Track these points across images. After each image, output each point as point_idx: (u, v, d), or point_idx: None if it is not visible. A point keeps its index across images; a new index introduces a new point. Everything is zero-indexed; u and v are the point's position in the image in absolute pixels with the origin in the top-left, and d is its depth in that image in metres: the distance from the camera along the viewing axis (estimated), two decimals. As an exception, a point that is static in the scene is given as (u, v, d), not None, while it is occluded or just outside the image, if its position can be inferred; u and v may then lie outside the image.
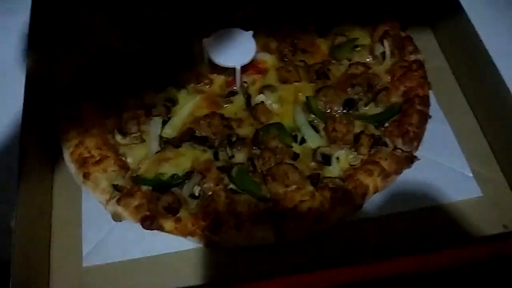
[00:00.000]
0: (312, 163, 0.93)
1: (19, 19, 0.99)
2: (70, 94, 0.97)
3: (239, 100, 1.00)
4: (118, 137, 0.92)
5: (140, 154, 0.92)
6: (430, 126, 0.99)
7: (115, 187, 0.88)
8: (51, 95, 0.97)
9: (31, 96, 0.88)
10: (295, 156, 0.92)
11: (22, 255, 0.75)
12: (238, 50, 0.98)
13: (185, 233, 0.84)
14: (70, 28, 1.04)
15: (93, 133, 0.91)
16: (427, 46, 1.12)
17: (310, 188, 0.88)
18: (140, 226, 0.85)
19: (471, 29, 0.99)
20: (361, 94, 1.00)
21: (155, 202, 0.85)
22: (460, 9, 1.03)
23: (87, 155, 0.88)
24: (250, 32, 1.01)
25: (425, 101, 1.00)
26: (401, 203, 0.92)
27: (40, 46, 0.98)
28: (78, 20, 1.05)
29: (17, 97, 0.86)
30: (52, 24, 1.06)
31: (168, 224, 0.84)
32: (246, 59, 0.97)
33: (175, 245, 0.86)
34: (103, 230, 0.88)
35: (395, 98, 1.01)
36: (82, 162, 0.88)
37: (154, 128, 0.94)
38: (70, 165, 0.90)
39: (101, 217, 0.88)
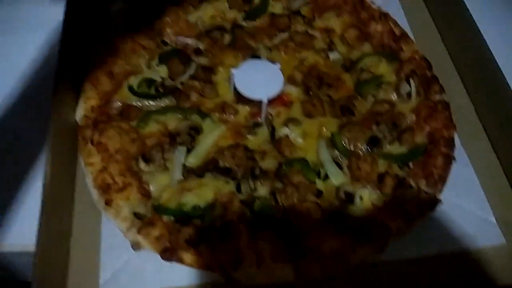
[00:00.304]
0: (336, 201, 0.92)
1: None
2: (96, 118, 0.97)
3: (264, 132, 1.00)
4: (142, 164, 0.92)
5: (162, 182, 0.91)
6: (453, 167, 0.98)
7: (136, 215, 0.87)
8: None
9: (57, 114, 0.89)
10: (318, 193, 0.91)
11: (41, 279, 0.74)
12: (265, 83, 0.98)
13: (204, 267, 0.83)
14: (99, 50, 1.04)
15: (117, 158, 0.91)
16: (451, 84, 1.12)
17: (332, 228, 0.87)
18: (159, 256, 0.84)
19: (496, 70, 0.99)
20: (385, 132, 1.00)
21: (176, 233, 0.84)
22: (486, 48, 1.03)
23: (110, 181, 0.88)
24: (278, 65, 1.01)
25: (450, 144, 0.99)
26: (422, 247, 0.90)
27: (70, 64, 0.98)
28: (107, 42, 1.06)
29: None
30: (82, 42, 1.07)
31: (188, 256, 0.83)
32: (273, 93, 0.97)
33: (194, 278, 0.84)
34: (121, 259, 0.87)
35: (420, 138, 1.00)
36: (105, 188, 0.87)
37: (178, 156, 0.94)
38: (93, 190, 0.89)
39: (120, 245, 0.87)
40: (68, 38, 0.99)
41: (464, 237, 0.92)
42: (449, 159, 0.97)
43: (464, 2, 1.12)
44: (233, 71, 0.99)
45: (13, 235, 0.85)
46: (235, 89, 1.00)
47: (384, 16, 1.15)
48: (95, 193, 0.89)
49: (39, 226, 0.77)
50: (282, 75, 1.00)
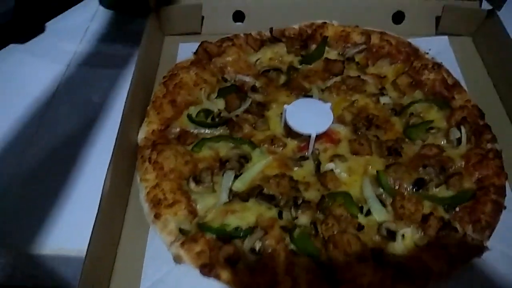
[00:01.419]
0: (377, 237, 0.91)
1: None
2: (155, 141, 1.05)
3: (309, 165, 1.03)
4: (192, 185, 0.98)
5: (209, 203, 0.96)
6: (504, 216, 0.95)
7: (181, 230, 0.92)
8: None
9: (122, 134, 0.98)
10: (360, 227, 0.92)
11: (86, 282, 0.79)
12: (315, 119, 1.03)
13: (240, 286, 0.84)
14: (166, 81, 1.15)
15: (170, 177, 0.97)
16: (505, 135, 1.10)
17: (371, 262, 0.86)
18: (198, 272, 0.87)
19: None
20: (432, 175, 0.99)
21: (216, 250, 0.87)
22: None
23: (161, 197, 0.94)
24: (329, 104, 1.06)
25: (501, 191, 0.97)
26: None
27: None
28: (173, 74, 1.16)
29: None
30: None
31: (226, 274, 0.85)
32: (322, 129, 1.01)
33: (229, 297, 0.86)
34: (162, 270, 0.90)
35: (468, 184, 0.99)
36: (156, 203, 0.93)
37: (226, 180, 0.99)
38: (144, 204, 0.96)
39: (162, 257, 0.91)
40: (139, 70, 1.11)
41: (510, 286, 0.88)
42: (499, 206, 0.95)
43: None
44: (286, 106, 1.05)
45: (59, 240, 0.94)
46: (285, 123, 1.05)
47: (438, 66, 1.18)
48: (146, 207, 0.95)
49: (92, 232, 0.84)
50: (332, 112, 1.04)
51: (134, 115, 1.08)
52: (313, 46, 1.29)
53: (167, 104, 1.10)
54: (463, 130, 1.05)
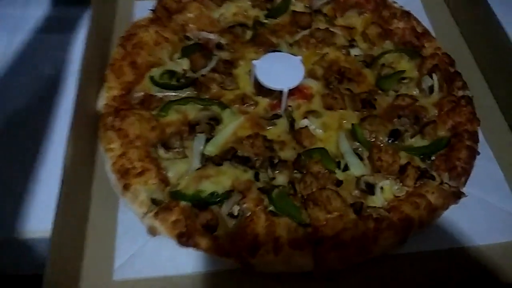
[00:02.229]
0: (356, 191, 0.90)
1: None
2: (117, 107, 0.98)
3: (283, 123, 1.00)
4: (161, 151, 0.92)
5: (181, 170, 0.91)
6: (478, 162, 0.96)
7: (153, 201, 0.86)
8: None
9: (80, 102, 0.90)
10: (338, 183, 0.90)
11: (55, 264, 0.74)
12: (286, 74, 0.98)
13: (221, 253, 0.81)
14: (123, 42, 1.06)
15: (136, 145, 0.91)
16: (474, 82, 1.10)
17: (353, 216, 0.85)
18: (175, 242, 0.83)
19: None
20: (407, 126, 0.98)
21: (193, 218, 0.83)
22: (508, 45, 1.02)
23: (129, 166, 0.88)
24: (299, 57, 1.01)
25: (474, 137, 0.97)
26: (444, 240, 0.88)
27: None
28: (131, 34, 1.07)
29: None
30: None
31: (205, 242, 0.81)
32: (293, 83, 0.97)
33: (210, 265, 0.83)
34: (137, 244, 0.86)
35: (443, 132, 0.98)
36: (124, 173, 0.87)
37: (197, 144, 0.93)
38: (111, 175, 0.89)
39: (136, 230, 0.86)
40: (93, 32, 1.02)
41: (487, 231, 0.90)
42: (473, 153, 0.95)
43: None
44: (254, 62, 1.00)
45: (33, 222, 0.87)
46: (255, 80, 1.00)
47: (407, 15, 1.15)
48: (113, 178, 0.89)
49: (56, 209, 0.77)
50: (303, 66, 1.00)
51: (91, 81, 0.99)
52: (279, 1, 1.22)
53: (127, 67, 1.02)
54: (434, 77, 1.04)
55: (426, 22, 1.20)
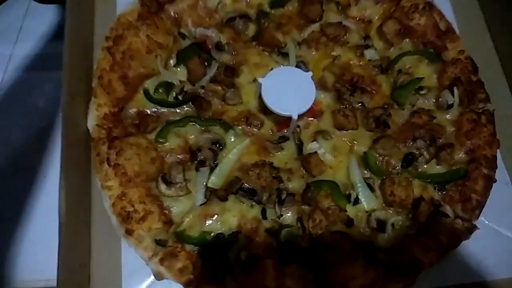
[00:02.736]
0: (366, 230, 0.87)
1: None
2: (109, 128, 0.90)
3: (290, 147, 0.93)
4: (162, 187, 0.86)
5: (185, 207, 0.87)
6: (493, 187, 0.92)
7: (158, 241, 0.83)
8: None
9: (68, 125, 0.84)
10: (349, 222, 0.86)
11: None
12: (295, 96, 0.89)
13: (230, 303, 0.81)
14: (110, 49, 0.94)
15: (136, 182, 0.85)
16: (497, 89, 1.02)
17: (362, 260, 0.83)
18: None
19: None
20: (423, 149, 0.93)
21: (200, 267, 0.81)
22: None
23: (130, 209, 0.83)
24: (309, 73, 0.91)
25: (492, 164, 0.92)
26: (454, 275, 0.89)
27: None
28: (118, 38, 0.94)
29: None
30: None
31: (213, 290, 0.80)
32: (304, 108, 0.89)
33: (219, 309, 0.83)
34: (143, 284, 0.85)
35: (459, 155, 0.93)
36: (125, 217, 0.83)
37: (200, 178, 0.88)
38: (112, 215, 0.85)
39: (141, 270, 0.85)
40: (73, 37, 0.90)
41: (498, 264, 0.90)
42: (490, 182, 0.91)
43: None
44: (260, 80, 0.89)
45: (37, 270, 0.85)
46: (260, 97, 0.91)
47: (429, 7, 1.02)
48: (114, 219, 0.84)
49: (58, 259, 0.75)
50: (314, 85, 0.90)
51: (77, 92, 0.90)
52: (285, -19, 1.06)
53: (117, 81, 0.92)
54: (456, 93, 0.95)
55: (448, 10, 1.08)
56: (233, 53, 0.99)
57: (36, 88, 1.03)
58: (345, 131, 0.95)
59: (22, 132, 0.99)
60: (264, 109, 0.92)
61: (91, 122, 0.91)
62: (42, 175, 0.94)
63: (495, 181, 0.92)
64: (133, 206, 0.83)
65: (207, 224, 0.85)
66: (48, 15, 1.09)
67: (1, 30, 1.08)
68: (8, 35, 1.07)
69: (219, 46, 0.99)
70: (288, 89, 0.90)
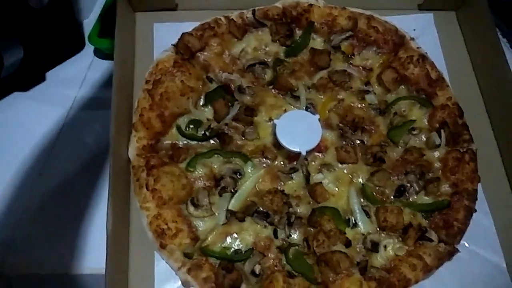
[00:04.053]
0: (362, 249, 1.03)
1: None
2: (147, 157, 1.07)
3: (299, 177, 1.09)
4: (191, 209, 1.03)
5: (209, 226, 1.03)
6: (474, 216, 1.07)
7: (186, 254, 1.00)
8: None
9: (115, 154, 1.02)
10: (348, 243, 1.02)
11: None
12: (304, 135, 1.05)
13: (245, 308, 0.96)
14: (150, 92, 1.12)
15: (169, 204, 1.02)
16: (481, 129, 1.18)
17: (358, 275, 0.99)
18: (206, 292, 0.98)
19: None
20: (413, 182, 1.08)
21: (221, 277, 0.97)
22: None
23: (164, 227, 1.00)
24: (317, 116, 1.08)
25: (473, 196, 1.07)
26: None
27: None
28: (157, 83, 1.13)
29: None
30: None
31: (232, 297, 0.96)
32: (311, 146, 1.05)
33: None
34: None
35: (445, 188, 1.08)
36: (160, 233, 0.99)
37: (222, 203, 1.04)
38: (148, 231, 1.01)
39: (171, 278, 1.01)
40: (119, 82, 1.09)
41: (475, 283, 1.04)
42: (470, 212, 1.06)
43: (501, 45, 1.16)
44: (276, 121, 1.06)
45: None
46: (275, 135, 1.07)
47: (422, 58, 1.18)
48: (150, 235, 1.01)
49: (106, 266, 0.92)
50: (320, 127, 1.07)
51: (122, 126, 1.08)
52: (298, 33, 1.24)
53: (155, 119, 1.09)
54: (442, 135, 1.11)
55: (439, 57, 1.25)
56: (252, 95, 1.16)
57: (93, 125, 1.23)
58: (346, 165, 1.10)
59: (74, 161, 1.19)
60: (278, 144, 1.09)
61: (132, 152, 1.08)
62: (87, 203, 1.13)
63: (475, 211, 1.07)
64: (166, 224, 1.00)
65: (227, 241, 1.01)
66: (105, 68, 1.33)
67: (69, 77, 1.32)
68: (74, 82, 1.31)
69: (241, 89, 1.17)
70: (299, 129, 1.06)
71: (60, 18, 1.27)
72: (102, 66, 1.34)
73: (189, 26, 1.22)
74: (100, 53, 1.36)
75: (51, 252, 1.08)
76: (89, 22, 1.39)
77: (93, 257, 1.07)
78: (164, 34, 1.24)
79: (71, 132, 1.22)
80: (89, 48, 1.37)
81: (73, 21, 1.37)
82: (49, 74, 1.32)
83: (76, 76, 1.31)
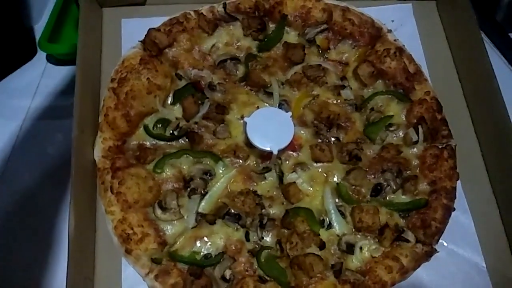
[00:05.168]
0: (336, 252, 0.99)
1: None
2: (113, 159, 1.02)
3: (272, 177, 1.05)
4: (158, 212, 0.99)
5: (177, 230, 0.99)
6: (453, 214, 1.04)
7: (154, 260, 0.96)
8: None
9: (78, 156, 0.97)
10: (322, 245, 0.98)
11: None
12: (276, 133, 1.01)
13: (215, 315, 0.93)
14: (115, 90, 1.07)
15: (135, 208, 0.98)
16: (460, 124, 1.14)
17: (332, 279, 0.95)
18: (175, 299, 0.94)
19: (507, 119, 1.03)
20: (390, 180, 1.04)
21: (189, 284, 0.93)
22: (499, 94, 1.06)
23: (129, 231, 0.96)
24: (289, 114, 1.04)
25: (451, 195, 1.03)
26: (413, 294, 0.99)
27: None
28: (122, 81, 1.08)
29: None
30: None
31: (201, 304, 0.92)
32: (283, 144, 1.01)
33: (205, 321, 0.95)
34: (140, 296, 0.97)
35: (423, 186, 1.04)
36: (125, 238, 0.95)
37: (191, 205, 1.00)
38: (113, 236, 0.97)
39: (139, 284, 0.97)
40: (83, 79, 1.03)
41: (454, 283, 1.01)
42: (448, 211, 1.02)
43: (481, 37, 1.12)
44: (246, 119, 1.02)
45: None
46: (246, 134, 1.03)
47: (400, 51, 1.14)
48: (115, 240, 0.97)
49: (67, 272, 0.89)
50: (292, 124, 1.02)
51: (85, 126, 1.04)
52: (271, 26, 1.19)
53: (120, 119, 1.04)
54: (420, 131, 1.07)
55: (418, 48, 1.21)
56: (224, 92, 1.12)
57: (49, 136, 1.18)
58: (321, 164, 1.06)
59: (35, 171, 1.14)
60: (250, 143, 1.04)
61: (97, 154, 1.04)
62: (50, 215, 1.09)
63: (454, 209, 1.03)
64: (132, 229, 0.96)
65: (197, 245, 0.97)
66: (60, 74, 1.28)
67: (21, 87, 1.26)
68: (27, 91, 1.25)
69: (211, 86, 1.12)
70: (270, 127, 1.02)
71: (6, 23, 1.21)
72: (57, 73, 1.28)
73: (158, 22, 1.17)
74: (53, 59, 1.30)
75: (16, 277, 1.03)
76: (40, 27, 1.31)
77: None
78: (132, 30, 1.20)
79: (28, 145, 1.18)
80: (41, 55, 1.31)
81: (21, 27, 1.31)
82: (-1, 86, 1.26)
83: (29, 86, 1.25)
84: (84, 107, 1.04)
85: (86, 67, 1.09)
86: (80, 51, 1.08)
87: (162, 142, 1.07)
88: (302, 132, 1.09)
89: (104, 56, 1.19)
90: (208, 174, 1.04)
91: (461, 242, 1.04)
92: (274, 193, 1.04)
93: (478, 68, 1.14)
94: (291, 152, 1.07)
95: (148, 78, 1.07)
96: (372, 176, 1.05)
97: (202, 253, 0.97)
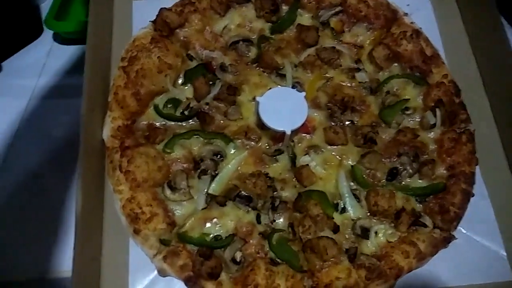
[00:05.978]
0: (351, 236, 0.95)
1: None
2: (122, 138, 1.00)
3: (285, 159, 1.02)
4: (167, 192, 0.96)
5: (187, 211, 0.96)
6: (471, 200, 1.00)
7: (162, 241, 0.93)
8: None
9: (86, 134, 0.94)
10: (336, 229, 0.95)
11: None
12: (289, 114, 0.98)
13: (225, 297, 0.89)
14: (125, 69, 1.05)
15: (144, 187, 0.95)
16: (479, 109, 1.10)
17: (346, 263, 0.91)
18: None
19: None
20: (406, 164, 1.01)
21: (199, 265, 0.90)
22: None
23: (138, 211, 0.93)
24: (303, 93, 1.01)
25: (471, 180, 1.00)
26: (432, 280, 0.95)
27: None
28: (133, 60, 1.06)
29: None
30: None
31: (210, 286, 0.89)
32: (297, 124, 0.98)
33: (214, 305, 0.92)
34: (148, 278, 0.94)
35: (440, 171, 1.01)
36: (134, 218, 0.93)
37: (202, 186, 0.97)
38: (121, 216, 0.95)
39: (146, 266, 0.94)
40: (93, 58, 1.01)
41: (474, 271, 0.97)
42: (467, 196, 0.99)
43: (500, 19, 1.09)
44: (258, 99, 0.99)
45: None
46: (258, 114, 1.00)
47: (417, 34, 1.11)
48: (123, 219, 0.94)
49: (74, 252, 0.84)
50: (306, 105, 1.00)
51: (95, 104, 1.01)
52: (285, 8, 1.16)
53: (130, 97, 1.02)
54: (438, 114, 1.04)
55: (435, 32, 1.18)
56: (236, 74, 1.09)
57: (55, 115, 1.17)
58: (335, 146, 1.03)
59: (40, 153, 1.12)
60: (262, 124, 1.02)
61: (106, 133, 1.01)
62: (56, 194, 1.06)
63: (473, 195, 1.00)
64: (140, 208, 0.93)
65: (206, 226, 0.95)
66: (66, 53, 1.26)
67: (27, 66, 1.24)
68: (33, 70, 1.23)
69: (223, 67, 1.10)
70: (283, 107, 0.99)
71: (12, 2, 1.19)
72: (63, 52, 1.26)
73: (170, 3, 1.15)
74: (59, 38, 1.28)
75: (22, 256, 1.01)
76: (46, 6, 1.30)
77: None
78: (143, 12, 1.18)
79: (33, 124, 1.16)
80: (47, 34, 1.29)
81: (27, 5, 1.29)
82: (5, 64, 1.25)
83: (35, 65, 1.24)
84: (93, 86, 1.02)
85: (96, 47, 1.07)
86: (91, 31, 1.05)
87: (172, 123, 1.05)
88: (315, 114, 1.06)
89: (114, 37, 1.17)
90: (219, 155, 1.01)
91: (480, 229, 1.00)
92: (286, 175, 1.01)
93: (497, 52, 1.11)
94: (304, 134, 1.05)
95: (158, 57, 1.05)
96: (388, 160, 1.02)
97: (211, 235, 0.94)
